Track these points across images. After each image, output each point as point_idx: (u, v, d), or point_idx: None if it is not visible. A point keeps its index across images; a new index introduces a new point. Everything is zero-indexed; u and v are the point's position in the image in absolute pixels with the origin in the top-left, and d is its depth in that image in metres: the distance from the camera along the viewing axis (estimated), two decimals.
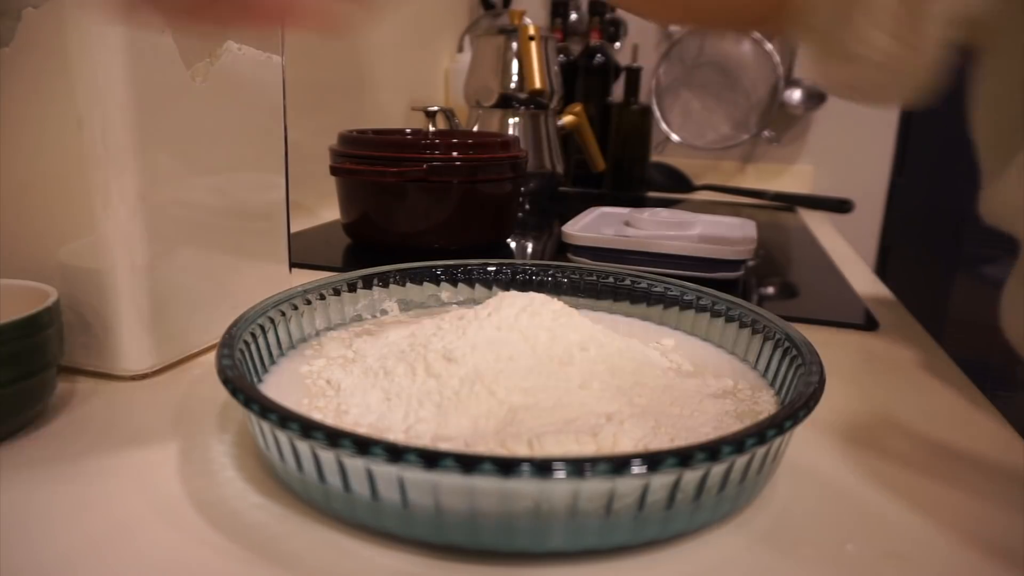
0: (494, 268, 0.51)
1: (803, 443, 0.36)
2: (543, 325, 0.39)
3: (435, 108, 0.86)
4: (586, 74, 1.33)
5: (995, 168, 0.36)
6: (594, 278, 0.50)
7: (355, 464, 0.26)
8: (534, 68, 0.98)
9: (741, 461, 0.27)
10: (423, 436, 0.31)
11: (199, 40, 0.39)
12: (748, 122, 1.45)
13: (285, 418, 0.26)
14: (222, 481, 0.31)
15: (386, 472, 0.25)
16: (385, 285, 0.48)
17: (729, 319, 0.44)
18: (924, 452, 0.36)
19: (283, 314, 0.41)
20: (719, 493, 0.27)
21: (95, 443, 0.34)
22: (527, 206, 1.05)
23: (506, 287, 0.50)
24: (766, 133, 1.44)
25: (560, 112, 1.15)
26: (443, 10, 1.39)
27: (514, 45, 1.05)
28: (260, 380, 0.37)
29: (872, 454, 0.36)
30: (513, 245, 0.78)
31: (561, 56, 1.32)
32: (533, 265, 0.51)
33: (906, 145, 1.48)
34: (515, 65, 1.05)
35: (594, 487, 0.25)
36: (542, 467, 0.24)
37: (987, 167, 0.37)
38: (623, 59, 1.37)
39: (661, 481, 0.25)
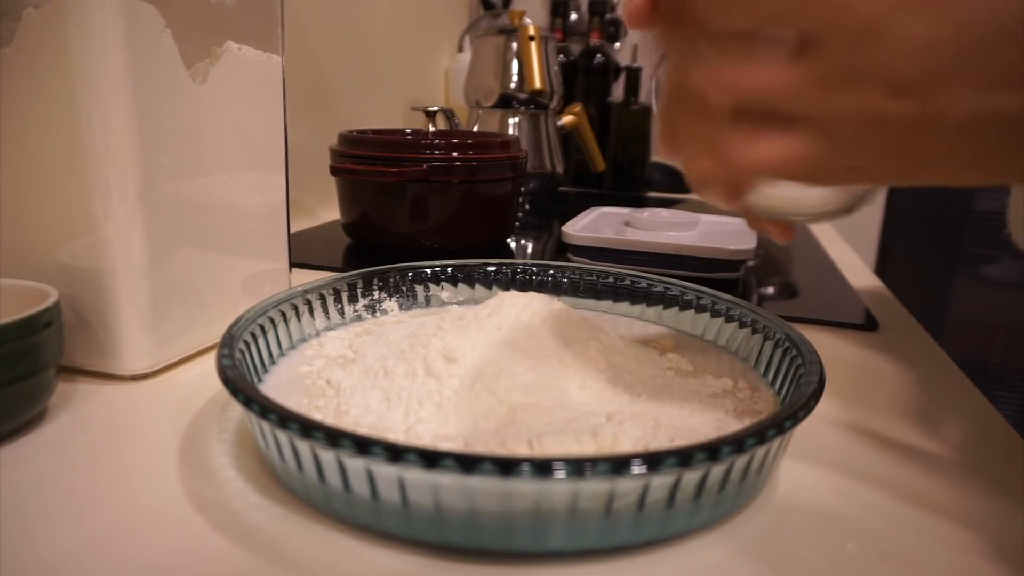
0: (494, 268, 0.51)
1: (803, 443, 0.36)
2: (543, 325, 0.39)
3: (435, 108, 0.86)
4: (586, 74, 1.33)
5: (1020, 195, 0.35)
6: (594, 278, 0.50)
7: (355, 464, 0.26)
8: (534, 68, 0.98)
9: (741, 461, 0.27)
10: (423, 436, 0.31)
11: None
12: None
13: (285, 418, 0.26)
14: (222, 481, 0.31)
15: (386, 472, 0.25)
16: (385, 285, 0.48)
17: (729, 319, 0.44)
18: (924, 452, 0.36)
19: (283, 314, 0.41)
20: (719, 493, 0.27)
21: (95, 443, 0.34)
22: (527, 206, 1.05)
23: (506, 287, 0.50)
24: None
25: (560, 112, 1.15)
26: (443, 10, 1.39)
27: (514, 45, 1.05)
28: (260, 380, 0.37)
29: (872, 454, 0.36)
30: (513, 245, 0.78)
31: (561, 56, 1.32)
32: (533, 265, 0.51)
33: None
34: (515, 65, 1.05)
35: (594, 487, 0.25)
36: (542, 467, 0.24)
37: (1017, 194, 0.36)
38: (623, 59, 1.37)
39: (661, 481, 0.25)
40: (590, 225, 0.74)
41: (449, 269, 0.50)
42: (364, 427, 0.32)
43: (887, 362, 0.50)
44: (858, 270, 0.78)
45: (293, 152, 0.52)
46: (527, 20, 1.05)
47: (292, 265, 0.53)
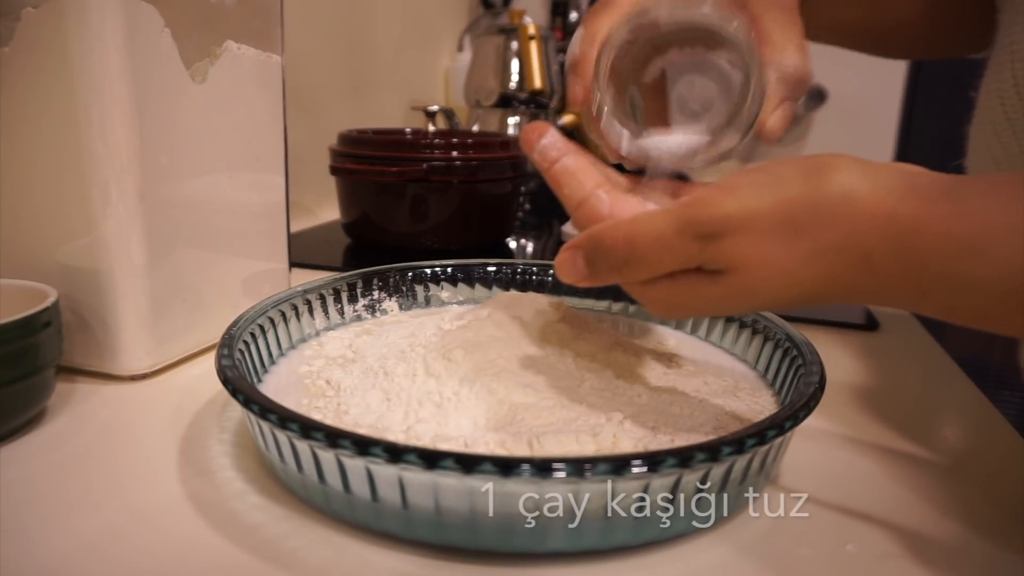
0: (494, 268, 0.51)
1: (803, 443, 0.35)
2: (543, 325, 0.39)
3: (435, 108, 0.86)
4: None
5: None
6: None
7: (355, 464, 0.26)
8: (534, 68, 0.98)
9: (741, 461, 0.27)
10: (423, 436, 0.31)
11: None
12: None
13: (285, 418, 0.26)
14: (222, 481, 0.31)
15: (386, 472, 0.25)
16: (385, 285, 0.48)
17: (729, 319, 0.44)
18: (924, 452, 0.36)
19: (283, 314, 0.40)
20: (719, 493, 0.27)
21: (94, 443, 0.34)
22: (527, 206, 1.05)
23: (506, 287, 0.50)
24: None
25: (560, 112, 1.15)
26: (443, 10, 1.39)
27: (514, 45, 1.05)
28: (260, 380, 0.37)
29: (872, 454, 0.36)
30: (513, 245, 0.78)
31: (561, 56, 1.32)
32: (533, 265, 0.51)
33: (907, 146, 1.48)
34: (515, 65, 1.05)
35: (594, 487, 0.25)
36: (542, 467, 0.24)
37: None
38: None
39: (661, 481, 0.25)
40: None
41: (449, 269, 0.50)
42: (364, 427, 0.32)
43: (887, 362, 0.50)
44: None
45: (293, 152, 0.52)
46: (527, 20, 1.05)
47: (292, 265, 0.53)
